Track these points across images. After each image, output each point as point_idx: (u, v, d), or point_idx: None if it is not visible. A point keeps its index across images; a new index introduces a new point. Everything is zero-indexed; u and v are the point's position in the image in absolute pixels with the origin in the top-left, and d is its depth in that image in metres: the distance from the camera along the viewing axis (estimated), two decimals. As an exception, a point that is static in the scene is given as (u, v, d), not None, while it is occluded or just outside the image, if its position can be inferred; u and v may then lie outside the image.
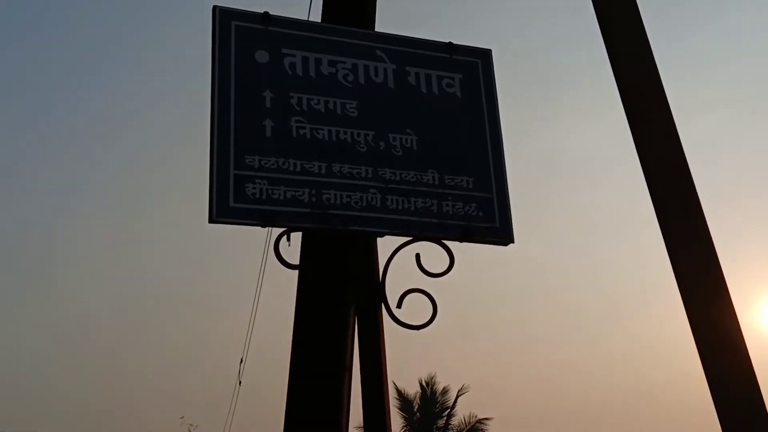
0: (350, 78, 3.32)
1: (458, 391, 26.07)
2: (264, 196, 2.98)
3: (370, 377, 2.95)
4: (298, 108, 3.18)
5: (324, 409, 3.35)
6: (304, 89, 3.22)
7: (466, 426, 25.88)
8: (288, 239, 3.04)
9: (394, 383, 26.30)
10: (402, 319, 3.10)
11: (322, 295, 3.37)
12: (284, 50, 3.27)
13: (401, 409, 26.28)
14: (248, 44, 3.21)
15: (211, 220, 2.90)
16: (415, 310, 3.24)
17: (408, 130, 3.31)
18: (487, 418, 26.15)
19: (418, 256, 3.15)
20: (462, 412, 26.21)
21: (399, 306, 3.09)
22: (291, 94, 3.19)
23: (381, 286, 3.11)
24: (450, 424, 26.07)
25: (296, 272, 3.44)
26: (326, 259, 3.33)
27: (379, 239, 3.21)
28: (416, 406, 26.37)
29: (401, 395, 26.35)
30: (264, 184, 2.99)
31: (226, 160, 2.98)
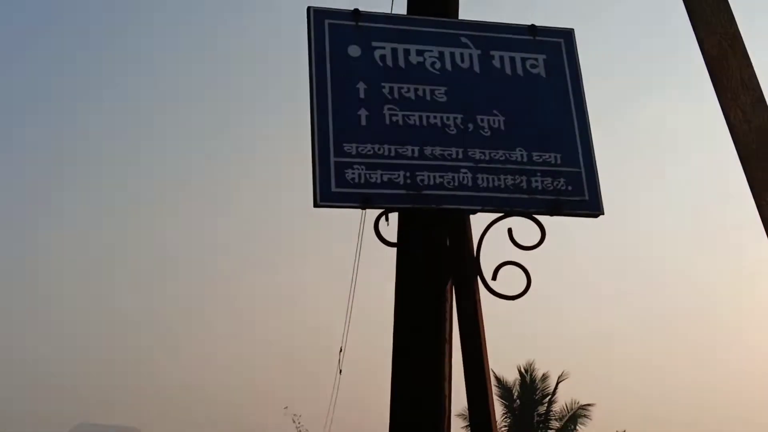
0: (437, 65, 3.50)
1: (558, 378, 25.75)
2: (362, 181, 3.21)
3: (470, 346, 3.13)
4: (390, 97, 3.38)
5: (427, 381, 3.55)
6: (394, 79, 3.43)
7: (568, 412, 25.54)
8: (386, 219, 3.25)
9: (493, 371, 26.25)
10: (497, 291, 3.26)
11: (420, 271, 3.57)
12: (374, 44, 3.48)
13: (501, 396, 26.17)
14: (341, 40, 3.44)
15: (315, 205, 3.15)
16: (508, 283, 3.39)
17: (495, 112, 3.46)
18: (589, 404, 25.72)
19: (510, 230, 3.30)
20: (563, 399, 25.90)
21: (494, 278, 3.25)
22: (383, 84, 3.40)
23: (476, 260, 3.28)
24: (551, 411, 25.80)
25: (393, 254, 3.65)
26: (422, 237, 3.53)
27: (471, 216, 3.38)
28: (516, 394, 26.23)
29: (500, 382, 26.26)
30: (362, 169, 3.22)
31: (326, 149, 3.23)
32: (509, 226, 3.31)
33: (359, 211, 3.43)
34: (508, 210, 3.32)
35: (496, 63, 3.58)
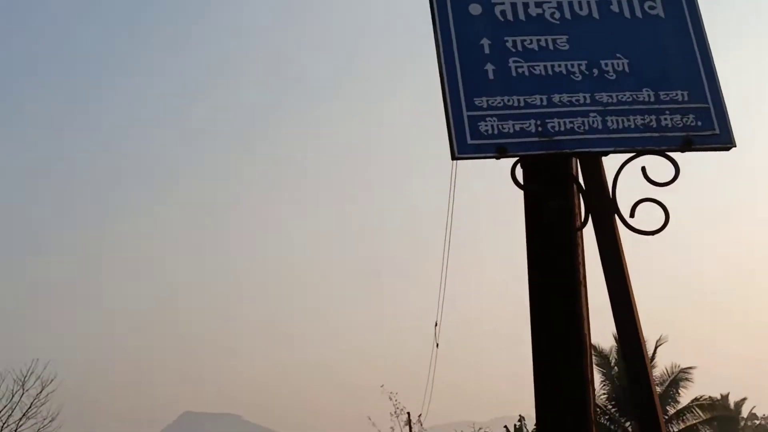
0: (557, 15, 3.60)
1: (657, 342, 25.28)
2: (496, 132, 3.35)
3: (614, 281, 3.24)
4: (513, 50, 3.51)
5: (566, 321, 3.68)
6: (516, 32, 3.55)
7: (669, 376, 25.08)
8: (522, 166, 3.39)
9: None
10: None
11: (552, 216, 3.68)
12: (494, 0, 3.60)
13: (598, 364, 25.88)
14: (462, 1, 3.58)
15: (453, 158, 3.32)
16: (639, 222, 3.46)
17: (618, 55, 3.54)
18: (690, 367, 25.20)
19: (644, 168, 3.37)
20: (663, 363, 25.43)
21: (632, 215, 3.35)
22: (506, 38, 3.53)
23: (613, 199, 3.38)
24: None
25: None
26: (553, 182, 3.64)
27: (603, 158, 3.47)
28: (613, 361, 25.90)
29: (596, 350, 25.95)
30: (494, 121, 3.36)
31: (458, 105, 3.39)
32: (643, 165, 3.39)
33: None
34: (640, 149, 3.39)
35: (614, 8, 3.65)
